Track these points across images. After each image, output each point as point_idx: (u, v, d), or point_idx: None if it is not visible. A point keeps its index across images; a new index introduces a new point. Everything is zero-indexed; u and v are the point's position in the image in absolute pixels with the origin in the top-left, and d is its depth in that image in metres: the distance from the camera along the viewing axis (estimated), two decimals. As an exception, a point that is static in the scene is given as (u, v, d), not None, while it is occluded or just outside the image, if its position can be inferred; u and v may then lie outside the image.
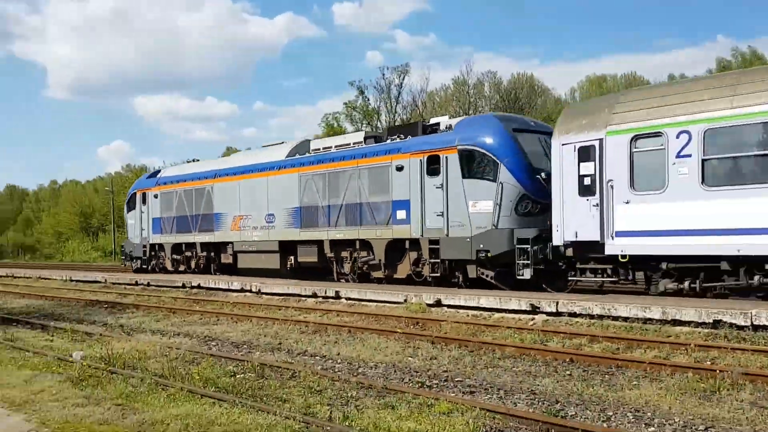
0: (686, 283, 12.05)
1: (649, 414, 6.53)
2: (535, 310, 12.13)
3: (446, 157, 15.63)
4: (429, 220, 16.04)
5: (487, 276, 15.08)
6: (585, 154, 13.10)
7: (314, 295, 16.52)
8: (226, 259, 22.85)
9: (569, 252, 13.47)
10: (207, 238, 23.50)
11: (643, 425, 6.21)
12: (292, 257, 20.33)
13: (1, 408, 6.78)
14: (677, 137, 11.82)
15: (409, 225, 16.43)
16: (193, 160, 27.81)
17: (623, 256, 12.44)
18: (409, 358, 9.48)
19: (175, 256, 25.47)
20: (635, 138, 12.41)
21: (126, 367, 8.73)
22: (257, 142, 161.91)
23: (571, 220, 13.19)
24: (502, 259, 14.56)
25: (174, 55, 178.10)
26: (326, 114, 56.60)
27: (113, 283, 23.95)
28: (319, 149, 19.93)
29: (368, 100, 53.42)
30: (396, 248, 17.05)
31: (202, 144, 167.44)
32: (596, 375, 8.28)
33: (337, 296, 15.89)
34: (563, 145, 13.44)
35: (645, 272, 12.71)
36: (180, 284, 21.21)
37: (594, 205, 12.91)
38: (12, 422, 6.28)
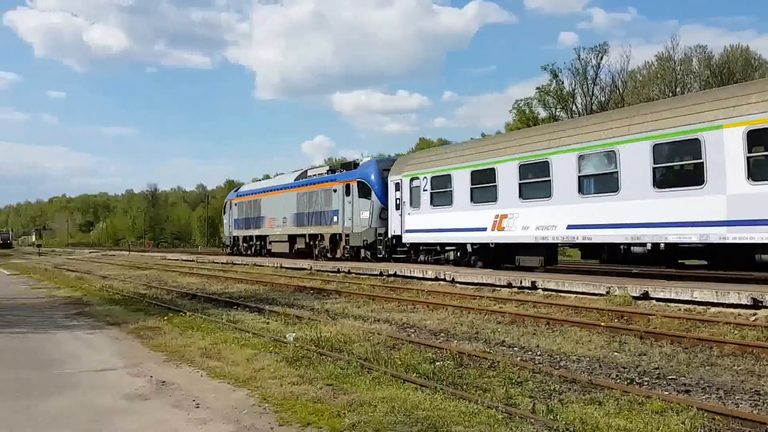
0: (427, 257, 22.53)
1: None
2: (756, 304, 10.91)
3: (353, 185, 26.50)
4: (345, 222, 26.87)
5: (367, 255, 25.52)
6: (397, 186, 23.59)
7: (509, 285, 16.24)
8: (267, 246, 35.38)
9: (394, 241, 24.10)
10: (258, 232, 36.60)
11: None
12: (295, 245, 31.99)
13: (228, 384, 7.46)
14: (424, 179, 22.16)
15: (338, 225, 27.53)
16: (259, 179, 43.52)
17: (407, 243, 23.27)
18: (615, 353, 8.93)
19: (244, 244, 38.68)
20: (412, 179, 22.81)
21: (333, 350, 9.17)
22: (446, 132, 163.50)
23: (393, 224, 23.87)
24: (373, 246, 25.16)
25: (367, 51, 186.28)
26: (517, 100, 55.63)
27: (317, 271, 25.55)
28: (309, 176, 31.87)
29: (562, 83, 51.41)
30: (335, 239, 28.18)
31: (393, 136, 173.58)
32: (835, 377, 7.24)
33: (533, 287, 15.47)
34: (390, 180, 24.11)
35: (423, 253, 22.87)
36: (377, 272, 22.03)
37: (399, 215, 23.29)
38: (238, 397, 6.88)
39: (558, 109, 51.07)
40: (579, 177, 16.26)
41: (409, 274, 20.73)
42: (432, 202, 21.61)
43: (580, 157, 16.28)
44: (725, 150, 12.92)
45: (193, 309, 14.53)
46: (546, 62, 69.68)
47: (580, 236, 16.16)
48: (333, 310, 14.46)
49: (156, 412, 6.36)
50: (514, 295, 15.15)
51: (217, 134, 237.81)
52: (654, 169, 14.39)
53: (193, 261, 39.09)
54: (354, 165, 28.14)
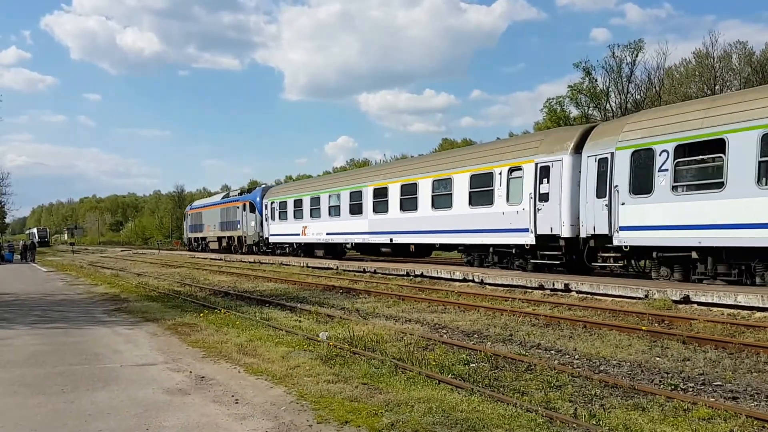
0: (280, 251, 37.06)
1: None
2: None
3: (246, 204, 40.37)
4: (244, 228, 40.94)
5: (255, 249, 39.37)
6: (266, 206, 37.43)
7: (541, 287, 16.07)
8: (207, 245, 50.37)
9: (264, 240, 38.32)
10: (201, 235, 52.45)
11: None
12: (221, 244, 46.21)
13: (265, 380, 7.50)
14: (278, 203, 36.17)
15: (240, 230, 41.72)
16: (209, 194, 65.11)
17: (272, 243, 37.26)
18: (657, 358, 8.75)
19: (195, 243, 54.52)
20: (272, 202, 36.79)
21: (366, 349, 9.16)
22: (473, 132, 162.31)
23: (264, 230, 37.90)
24: (258, 244, 39.21)
25: (394, 50, 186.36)
26: (549, 99, 54.78)
27: (344, 270, 25.62)
28: (229, 197, 46.44)
29: (596, 81, 50.40)
30: (240, 240, 41.82)
31: (418, 136, 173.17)
32: None
33: (567, 289, 15.29)
34: (263, 203, 38.05)
35: (278, 249, 37.46)
36: (404, 272, 22.01)
37: (267, 225, 37.41)
38: (275, 393, 6.90)
39: (591, 108, 50.19)
40: (329, 207, 30.73)
41: (436, 275, 20.66)
42: (280, 217, 36.11)
43: (330, 196, 30.78)
44: (368, 198, 27.12)
45: (226, 306, 14.66)
46: (577, 59, 68.41)
47: (330, 239, 30.95)
48: (363, 310, 14.46)
49: (197, 406, 6.41)
50: (547, 298, 14.99)
51: (245, 136, 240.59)
52: (350, 205, 28.66)
53: (221, 260, 39.47)
54: (251, 190, 43.84)
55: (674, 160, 14.26)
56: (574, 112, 51.67)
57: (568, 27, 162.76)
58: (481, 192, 20.05)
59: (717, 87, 44.34)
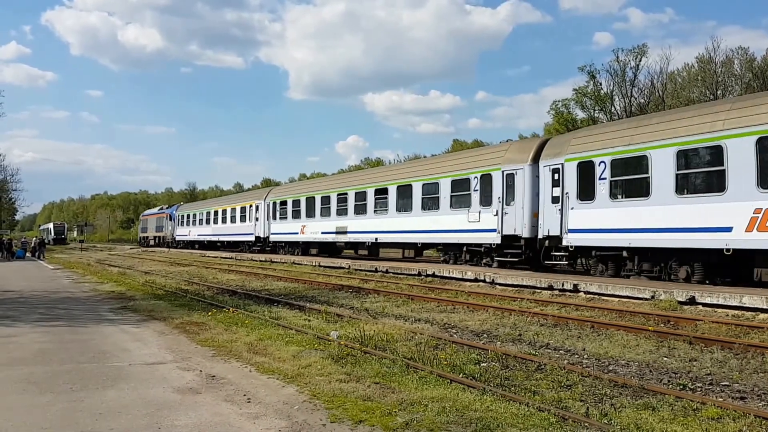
0: (181, 243, 63.22)
1: None
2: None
3: (168, 215, 68.29)
4: (166, 231, 68.28)
5: (171, 244, 64.96)
6: (178, 217, 63.44)
7: (550, 288, 16.09)
8: (150, 241, 76.20)
9: (174, 239, 65.07)
10: (146, 234, 79.95)
11: None
12: (156, 241, 72.85)
13: (277, 380, 7.53)
14: (180, 215, 63.03)
15: (165, 232, 68.90)
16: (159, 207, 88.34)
17: (178, 240, 62.61)
18: (665, 358, 8.78)
19: (142, 241, 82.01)
20: (179, 215, 63.47)
21: (377, 349, 9.18)
22: (481, 133, 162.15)
23: (175, 231, 63.91)
24: (174, 242, 64.66)
25: (399, 51, 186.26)
26: (555, 101, 54.96)
27: (355, 270, 25.65)
28: (163, 209, 76.12)
29: (600, 85, 50.49)
30: (165, 239, 68.48)
31: (428, 136, 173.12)
32: None
33: (575, 290, 15.31)
34: (176, 214, 64.56)
35: (180, 244, 63.01)
36: (415, 272, 22.03)
37: (177, 228, 63.52)
38: (288, 393, 6.94)
39: (596, 111, 50.27)
40: (199, 219, 55.74)
41: (447, 275, 20.68)
42: (182, 224, 59.56)
43: (200, 212, 56.38)
44: (212, 215, 51.97)
45: (235, 305, 14.69)
46: (580, 63, 68.92)
47: (201, 238, 55.08)
48: (373, 309, 14.48)
49: (209, 406, 6.43)
50: (555, 298, 15.01)
51: (252, 134, 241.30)
52: (206, 218, 53.16)
53: (231, 258, 39.57)
54: (171, 206, 69.82)
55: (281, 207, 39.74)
56: (580, 114, 51.80)
57: (572, 31, 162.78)
58: (243, 215, 43.79)
59: (719, 92, 44.32)
